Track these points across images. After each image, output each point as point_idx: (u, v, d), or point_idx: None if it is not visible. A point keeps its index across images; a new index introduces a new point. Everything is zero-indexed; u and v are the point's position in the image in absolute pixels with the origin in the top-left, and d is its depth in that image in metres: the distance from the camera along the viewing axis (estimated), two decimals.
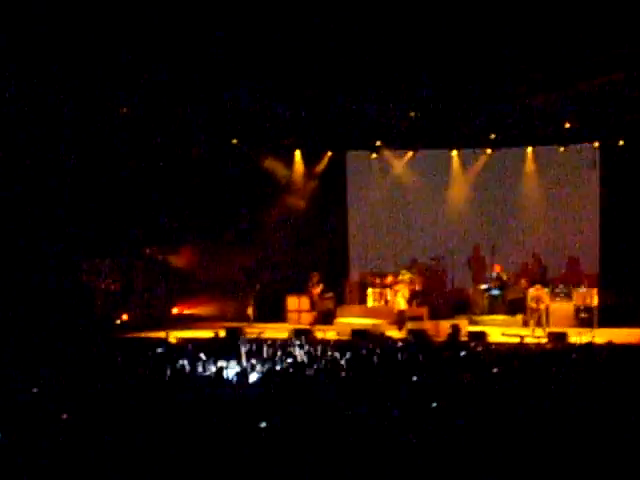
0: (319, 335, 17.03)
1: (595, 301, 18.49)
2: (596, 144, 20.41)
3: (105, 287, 20.25)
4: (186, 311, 21.29)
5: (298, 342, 14.70)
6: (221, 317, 20.16)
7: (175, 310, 21.12)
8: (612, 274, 19.72)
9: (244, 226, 21.59)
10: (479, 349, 14.18)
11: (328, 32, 15.61)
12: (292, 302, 20.73)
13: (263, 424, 6.86)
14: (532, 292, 18.38)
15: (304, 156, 22.33)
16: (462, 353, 12.74)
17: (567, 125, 19.57)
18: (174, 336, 16.79)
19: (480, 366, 11.19)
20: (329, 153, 22.33)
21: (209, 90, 18.12)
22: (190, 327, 19.24)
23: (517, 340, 15.75)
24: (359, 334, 16.98)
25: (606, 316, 18.32)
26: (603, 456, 6.23)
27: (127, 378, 9.96)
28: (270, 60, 16.84)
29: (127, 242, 20.34)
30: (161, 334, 17.05)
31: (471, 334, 16.68)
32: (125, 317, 20.06)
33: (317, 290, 20.35)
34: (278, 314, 20.65)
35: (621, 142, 19.66)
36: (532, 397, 8.29)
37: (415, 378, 9.73)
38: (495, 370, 10.43)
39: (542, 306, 18.11)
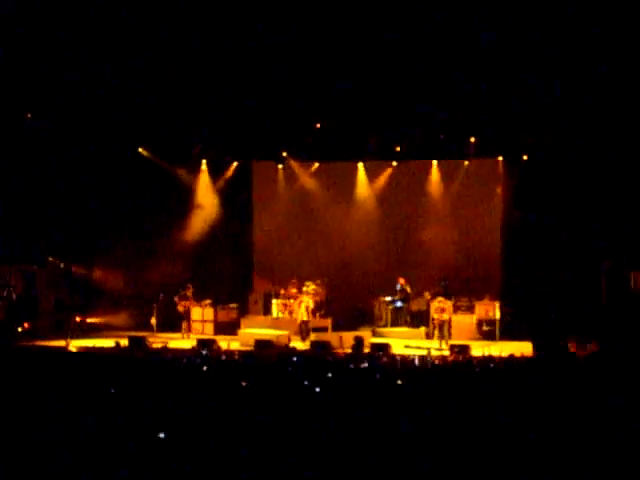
0: (223, 345, 16.83)
1: (497, 314, 18.73)
2: (500, 158, 20.77)
3: (7, 295, 19.80)
4: (89, 320, 20.87)
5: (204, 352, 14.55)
6: (125, 327, 19.82)
7: (78, 319, 20.66)
8: (513, 287, 20.06)
9: (151, 237, 21.36)
10: (383, 361, 14.19)
11: (234, 40, 15.60)
12: (196, 313, 20.45)
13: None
14: (435, 304, 18.52)
15: (210, 166, 22.17)
16: (365, 365, 12.71)
17: (472, 139, 19.87)
18: (74, 345, 16.47)
19: (384, 377, 11.17)
20: (235, 163, 22.19)
21: (116, 97, 17.93)
22: (93, 336, 18.85)
23: (421, 352, 15.81)
24: (262, 345, 16.86)
25: (508, 329, 18.61)
26: (504, 467, 6.22)
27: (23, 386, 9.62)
28: (176, 67, 16.74)
29: (31, 251, 19.98)
30: (61, 343, 16.71)
31: (374, 346, 16.68)
32: (27, 325, 19.58)
33: (187, 302, 20.14)
34: (176, 321, 20.35)
35: (525, 157, 20.05)
36: (435, 408, 8.27)
37: (318, 389, 9.63)
38: (399, 382, 10.39)
39: (445, 318, 18.26)
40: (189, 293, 20.24)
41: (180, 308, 20.09)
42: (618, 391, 9.80)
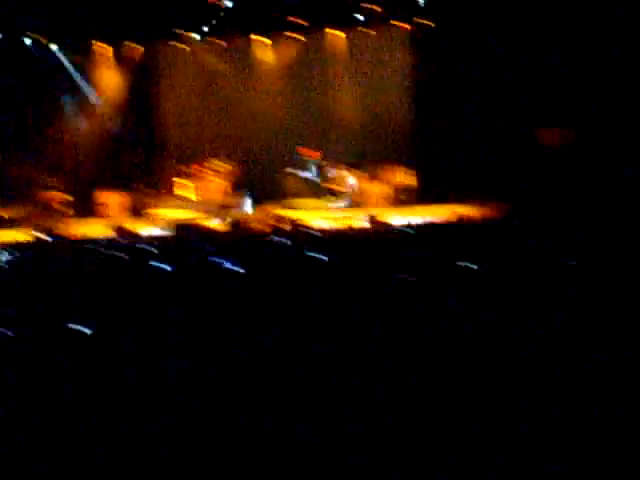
0: (139, 230, 16.66)
1: (412, 182, 18.93)
2: (406, 26, 20.60)
3: None
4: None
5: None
6: (31, 218, 19.38)
7: None
8: (427, 155, 20.20)
9: (51, 122, 20.81)
10: (302, 236, 14.24)
11: None
12: (105, 197, 20.14)
13: None
14: (345, 175, 18.58)
15: (110, 48, 21.51)
16: (287, 241, 12.75)
17: (377, 8, 19.63)
18: None
19: (303, 253, 11.23)
20: (136, 44, 21.57)
21: None
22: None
23: (338, 224, 15.92)
24: (184, 228, 16.73)
25: (424, 196, 18.85)
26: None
27: None
28: None
29: None
30: None
31: (291, 221, 16.70)
32: None
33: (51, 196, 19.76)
34: (90, 210, 20.08)
35: (432, 24, 19.92)
36: (363, 280, 8.39)
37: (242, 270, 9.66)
38: (323, 257, 10.45)
39: (358, 188, 18.38)
40: (99, 179, 19.89)
41: (95, 195, 19.76)
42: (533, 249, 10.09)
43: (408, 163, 19.57)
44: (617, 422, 4.50)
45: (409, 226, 14.10)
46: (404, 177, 19.07)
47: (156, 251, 12.45)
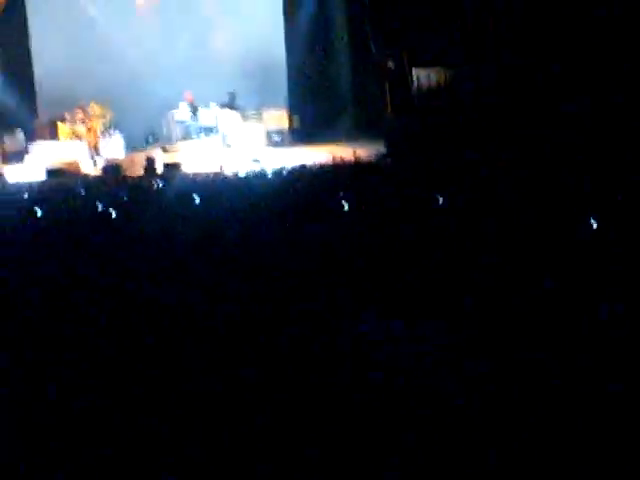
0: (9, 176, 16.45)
1: (287, 124, 19.12)
2: None
3: None
4: None
5: None
6: None
7: None
8: (301, 96, 20.31)
9: None
10: (174, 178, 14.30)
11: None
12: None
13: None
14: (219, 115, 18.70)
15: None
16: (160, 184, 12.85)
17: None
18: None
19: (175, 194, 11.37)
20: None
21: None
22: None
23: (212, 166, 15.96)
24: (56, 173, 16.55)
25: (299, 138, 19.05)
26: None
27: None
28: None
29: None
30: None
31: (164, 164, 16.68)
32: None
33: None
34: None
35: None
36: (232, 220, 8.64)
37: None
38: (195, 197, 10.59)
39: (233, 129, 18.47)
40: None
41: None
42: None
43: (281, 105, 19.69)
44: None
45: (283, 168, 14.30)
46: (278, 118, 19.21)
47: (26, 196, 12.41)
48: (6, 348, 5.04)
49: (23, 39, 21.55)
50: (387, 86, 19.07)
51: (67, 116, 19.81)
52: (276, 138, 19.07)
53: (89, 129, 18.90)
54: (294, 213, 9.00)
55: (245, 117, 19.24)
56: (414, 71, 18.18)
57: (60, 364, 4.72)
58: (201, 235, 7.84)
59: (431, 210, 8.55)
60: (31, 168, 17.94)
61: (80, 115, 19.44)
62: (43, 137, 20.52)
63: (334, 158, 15.39)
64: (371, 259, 6.58)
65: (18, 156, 19.29)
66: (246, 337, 4.98)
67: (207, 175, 14.90)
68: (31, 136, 20.50)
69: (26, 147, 19.72)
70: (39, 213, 10.30)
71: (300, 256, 6.85)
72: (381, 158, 15.87)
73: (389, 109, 18.69)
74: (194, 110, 19.91)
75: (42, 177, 16.60)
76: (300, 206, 9.47)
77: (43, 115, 21.32)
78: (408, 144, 16.51)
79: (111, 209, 9.92)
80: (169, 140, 20.12)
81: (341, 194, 9.55)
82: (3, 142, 19.76)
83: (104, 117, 19.29)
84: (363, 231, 7.80)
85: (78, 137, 19.37)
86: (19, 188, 14.11)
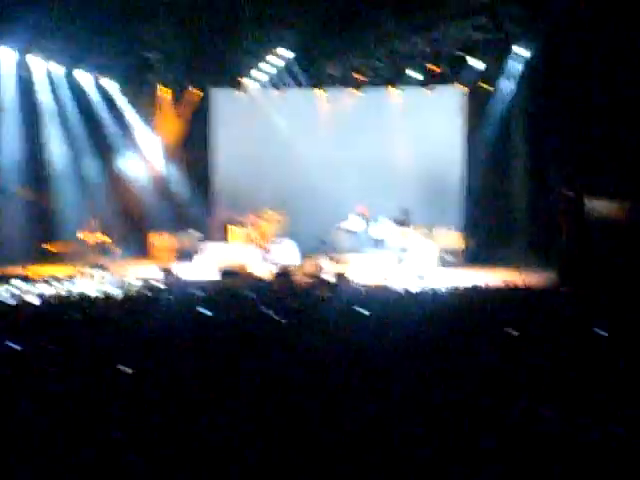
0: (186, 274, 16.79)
1: (459, 244, 18.95)
2: (463, 88, 20.73)
3: None
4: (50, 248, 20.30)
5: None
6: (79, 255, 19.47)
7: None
8: (476, 217, 20.20)
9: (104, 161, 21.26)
10: (346, 289, 14.23)
11: None
12: (155, 240, 20.43)
13: None
14: (394, 231, 18.64)
15: (168, 93, 21.95)
16: (330, 294, 12.79)
17: (435, 67, 19.80)
18: (33, 271, 16.36)
19: (346, 306, 11.25)
20: (193, 90, 21.94)
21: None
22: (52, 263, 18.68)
23: (383, 280, 15.85)
24: (229, 274, 16.80)
25: (471, 258, 18.85)
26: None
27: None
28: None
29: None
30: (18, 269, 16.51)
31: (336, 274, 16.71)
32: None
33: (94, 237, 19.74)
34: (142, 251, 20.45)
35: (487, 86, 20.04)
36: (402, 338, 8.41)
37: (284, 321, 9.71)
38: (366, 312, 10.45)
39: (406, 245, 18.38)
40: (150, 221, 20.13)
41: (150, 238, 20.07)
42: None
43: (455, 225, 19.61)
44: None
45: (455, 289, 14.03)
46: (451, 239, 19.11)
47: (202, 295, 12.57)
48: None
49: (204, 141, 22.45)
50: (562, 214, 18.76)
51: (240, 219, 20.28)
52: (448, 258, 18.90)
53: (262, 234, 19.24)
54: (464, 336, 8.70)
55: (416, 234, 19.17)
56: (589, 201, 17.87)
57: None
58: (375, 352, 7.64)
59: (603, 350, 8.08)
60: (202, 267, 18.33)
61: (254, 219, 19.85)
62: (214, 238, 21.11)
63: (505, 282, 15.05)
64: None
65: (189, 254, 19.85)
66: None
67: (376, 288, 14.75)
68: (204, 236, 21.13)
69: (199, 246, 20.31)
70: (210, 312, 10.39)
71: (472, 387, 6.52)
72: (554, 286, 15.43)
73: (563, 237, 18.29)
74: (366, 222, 20.01)
75: (215, 277, 16.86)
76: (468, 329, 9.17)
77: (217, 216, 21.97)
78: (584, 275, 16.03)
79: (281, 316, 9.90)
80: (335, 249, 20.23)
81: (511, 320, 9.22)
82: (180, 239, 20.40)
83: (278, 222, 19.64)
84: (535, 361, 7.41)
85: (250, 241, 19.76)
86: (191, 285, 14.32)
